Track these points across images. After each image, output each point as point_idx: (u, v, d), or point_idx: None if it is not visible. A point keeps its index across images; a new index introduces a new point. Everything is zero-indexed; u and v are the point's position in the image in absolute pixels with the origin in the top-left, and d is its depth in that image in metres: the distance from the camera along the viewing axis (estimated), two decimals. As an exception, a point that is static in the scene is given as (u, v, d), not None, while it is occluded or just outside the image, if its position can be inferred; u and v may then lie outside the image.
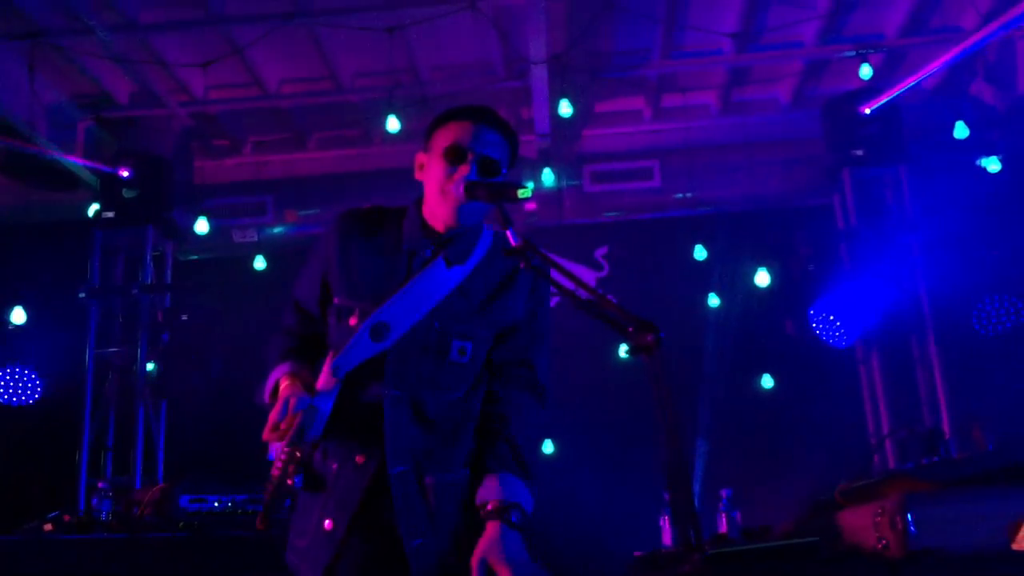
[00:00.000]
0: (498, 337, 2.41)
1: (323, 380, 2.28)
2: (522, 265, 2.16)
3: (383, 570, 2.24)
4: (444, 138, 2.35)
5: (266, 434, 2.21)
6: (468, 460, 2.35)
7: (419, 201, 2.44)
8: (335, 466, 2.30)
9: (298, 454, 2.15)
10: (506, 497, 2.22)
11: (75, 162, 6.57)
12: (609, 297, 2.10)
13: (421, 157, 2.44)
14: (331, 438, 2.31)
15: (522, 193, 2.20)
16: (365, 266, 2.37)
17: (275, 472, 2.16)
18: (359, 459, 2.27)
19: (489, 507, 2.22)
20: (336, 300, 2.37)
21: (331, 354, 2.30)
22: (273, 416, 2.19)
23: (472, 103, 2.43)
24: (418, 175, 2.44)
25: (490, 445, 2.33)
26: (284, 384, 2.29)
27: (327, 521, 2.26)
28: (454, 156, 2.31)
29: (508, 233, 2.16)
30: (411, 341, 2.30)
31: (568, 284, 2.13)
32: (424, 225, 2.39)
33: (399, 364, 2.29)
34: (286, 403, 2.19)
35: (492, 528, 2.19)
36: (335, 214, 2.48)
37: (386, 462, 2.25)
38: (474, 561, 2.17)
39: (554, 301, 2.64)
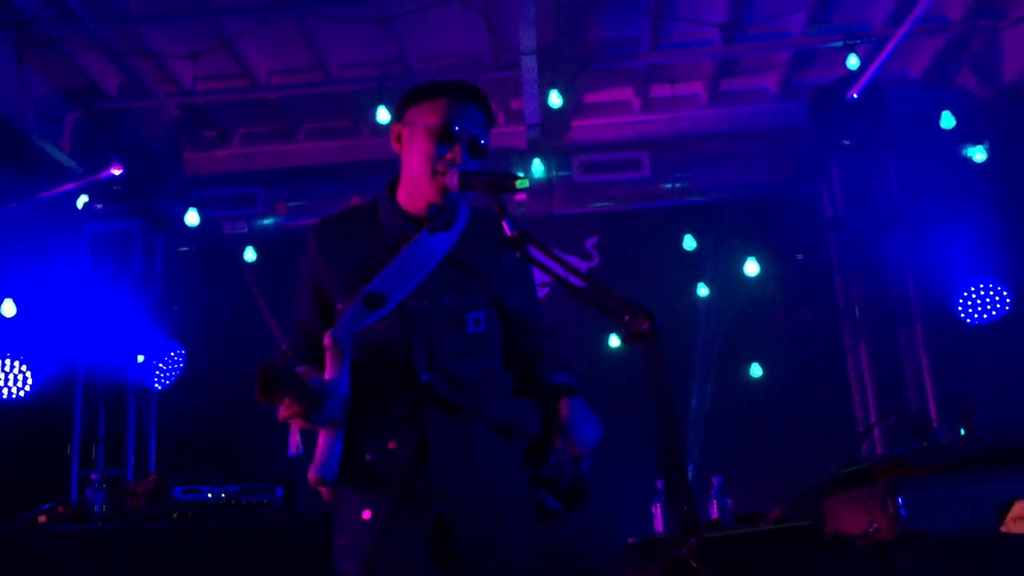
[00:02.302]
0: (500, 306, 2.43)
1: (328, 360, 2.24)
2: (518, 255, 2.15)
3: (424, 559, 2.22)
4: (429, 114, 2.34)
5: (282, 412, 2.13)
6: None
7: (392, 185, 2.43)
8: (368, 456, 2.28)
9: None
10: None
11: (63, 153, 6.54)
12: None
13: (398, 128, 2.41)
14: (360, 428, 2.28)
15: (520, 184, 2.19)
16: (352, 262, 2.36)
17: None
18: (391, 445, 2.26)
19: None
20: (339, 306, 2.34)
21: (328, 332, 2.27)
22: (288, 398, 2.12)
23: (459, 82, 2.42)
24: (395, 147, 2.42)
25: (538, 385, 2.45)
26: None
27: (365, 512, 2.25)
28: (443, 137, 2.31)
29: (504, 223, 2.15)
30: (427, 322, 2.29)
31: (563, 272, 2.14)
32: (400, 210, 2.39)
33: (425, 348, 2.28)
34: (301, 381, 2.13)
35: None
36: (310, 228, 2.46)
37: (426, 439, 2.24)
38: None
39: (545, 291, 2.67)
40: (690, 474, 6.28)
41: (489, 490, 2.27)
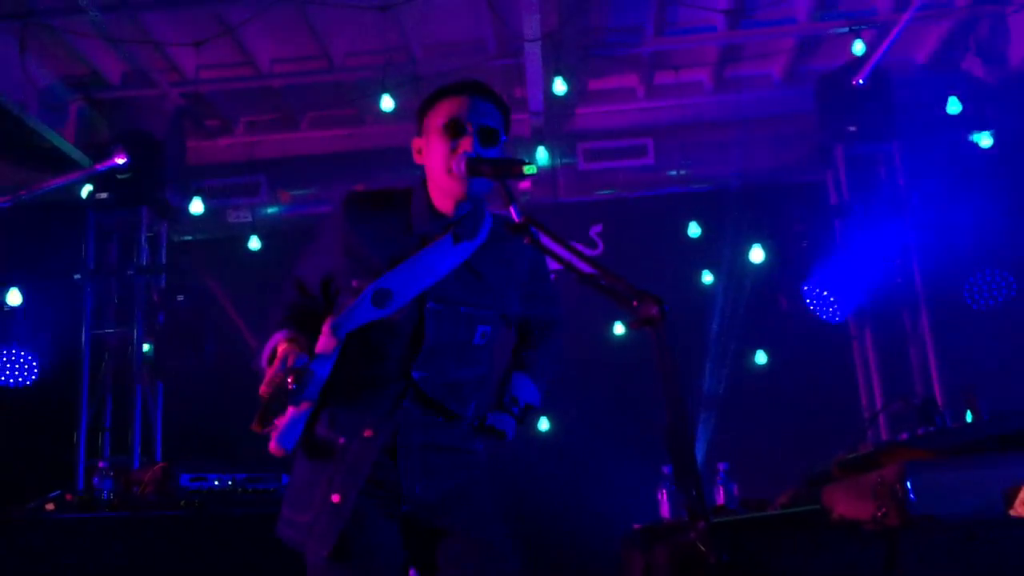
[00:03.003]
0: (507, 317, 2.54)
1: (322, 342, 2.28)
2: (527, 240, 2.15)
3: (394, 542, 2.29)
4: (439, 116, 2.34)
5: (263, 388, 2.17)
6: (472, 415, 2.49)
7: (424, 183, 2.43)
8: (342, 440, 2.30)
9: (295, 375, 2.14)
10: (514, 392, 2.57)
11: (67, 143, 6.54)
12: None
13: (418, 142, 2.43)
14: (338, 410, 2.33)
15: (528, 169, 2.19)
16: (376, 247, 2.36)
17: (274, 377, 2.14)
18: (367, 433, 2.29)
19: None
20: (354, 283, 2.34)
21: (330, 317, 2.31)
22: (270, 372, 2.17)
23: (464, 80, 2.42)
24: (418, 159, 2.44)
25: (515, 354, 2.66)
26: (282, 347, 2.26)
27: (334, 495, 2.26)
28: (453, 131, 2.31)
29: (511, 209, 2.14)
30: (441, 326, 2.33)
31: (571, 258, 2.14)
32: (432, 208, 2.39)
33: (429, 348, 2.32)
34: (284, 359, 2.17)
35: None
36: (341, 196, 2.46)
37: (399, 434, 2.30)
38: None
39: (551, 278, 2.67)
40: (697, 459, 6.30)
41: (450, 488, 2.36)
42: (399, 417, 2.31)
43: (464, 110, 2.32)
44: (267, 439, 2.26)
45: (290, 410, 2.23)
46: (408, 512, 2.31)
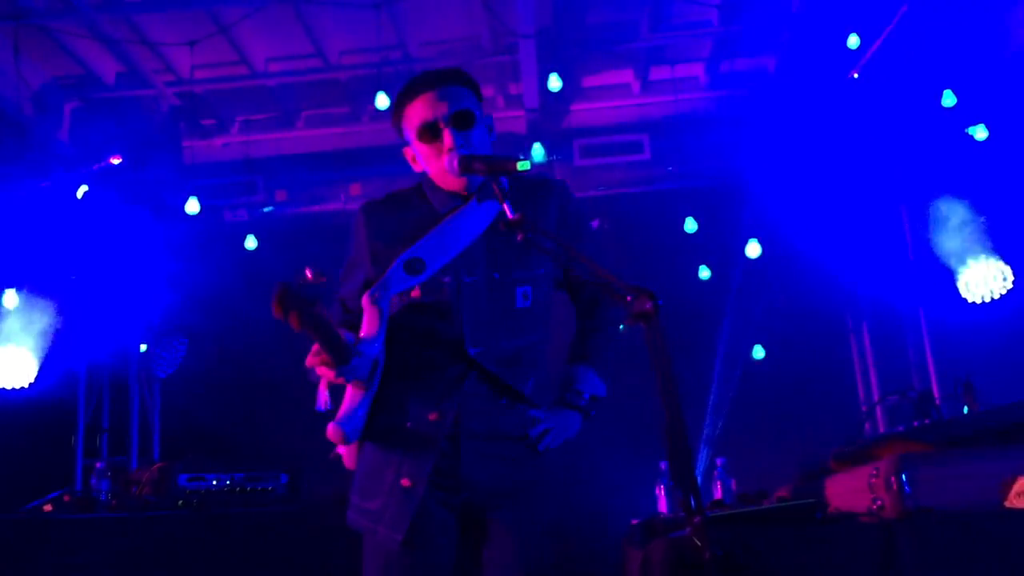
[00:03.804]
0: (549, 275, 2.42)
1: (366, 321, 2.24)
2: (520, 237, 2.14)
3: (454, 530, 2.28)
4: (411, 123, 2.35)
5: (310, 359, 2.15)
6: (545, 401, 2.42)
7: (432, 178, 2.44)
8: (409, 424, 2.29)
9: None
10: (577, 386, 2.44)
11: (62, 143, 6.53)
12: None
13: (408, 151, 2.44)
14: (400, 395, 2.30)
15: (521, 165, 2.18)
16: (398, 234, 2.35)
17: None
18: (432, 416, 2.27)
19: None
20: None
21: (367, 291, 2.27)
22: (317, 345, 2.13)
23: (415, 79, 2.39)
24: (416, 168, 2.44)
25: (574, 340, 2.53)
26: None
27: (404, 480, 2.25)
28: (428, 134, 2.31)
29: (505, 206, 2.15)
30: (478, 297, 2.30)
31: (565, 254, 2.14)
32: (449, 192, 2.39)
33: (475, 322, 2.29)
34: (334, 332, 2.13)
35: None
36: (358, 208, 2.47)
37: (460, 419, 2.27)
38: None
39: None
40: (694, 455, 6.31)
41: (514, 481, 2.31)
42: (462, 399, 2.27)
43: (429, 108, 2.31)
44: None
45: (348, 395, 2.22)
46: (465, 500, 2.28)
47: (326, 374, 2.18)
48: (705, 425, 6.58)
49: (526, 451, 2.35)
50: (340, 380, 2.19)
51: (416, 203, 2.42)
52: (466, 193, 2.36)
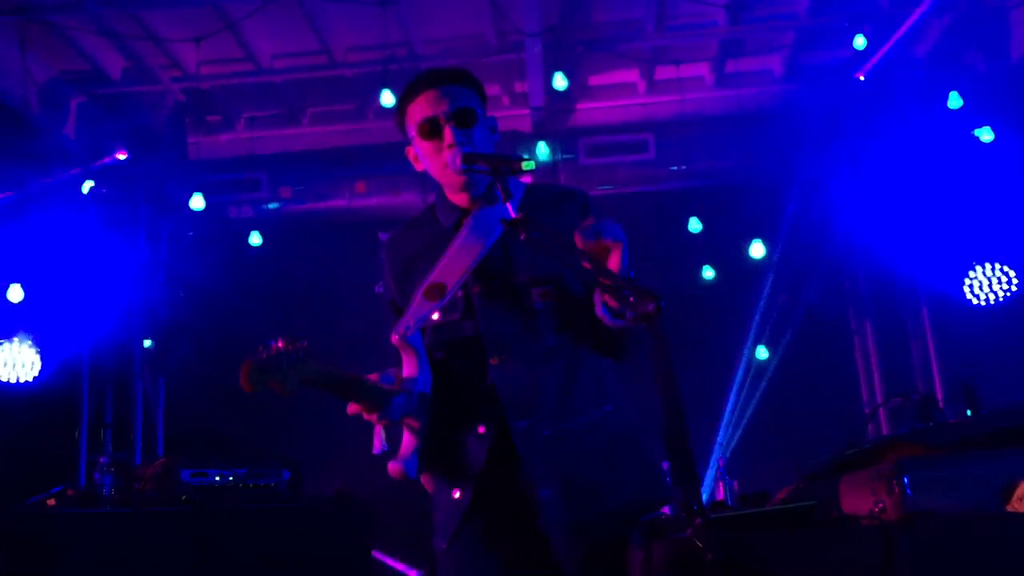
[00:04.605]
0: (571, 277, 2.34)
1: (404, 363, 2.24)
2: (523, 236, 2.13)
3: (509, 533, 2.25)
4: (412, 121, 2.34)
5: (349, 408, 2.14)
6: (599, 399, 2.33)
7: (440, 189, 2.44)
8: (457, 441, 2.31)
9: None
10: None
11: (68, 138, 6.54)
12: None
13: (410, 150, 2.42)
14: (448, 419, 2.30)
15: (526, 165, 2.15)
16: (417, 264, 2.36)
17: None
18: (481, 430, 2.27)
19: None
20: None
21: (392, 331, 2.25)
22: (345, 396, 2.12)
23: (419, 76, 2.38)
24: (418, 167, 2.43)
25: None
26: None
27: (455, 491, 2.28)
28: (429, 131, 2.30)
29: (508, 206, 2.14)
30: (491, 306, 2.28)
31: (568, 255, 2.13)
32: (451, 204, 2.39)
33: (492, 331, 2.28)
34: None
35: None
36: (381, 246, 2.48)
37: (508, 426, 2.24)
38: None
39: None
40: (695, 456, 6.31)
41: (565, 477, 2.25)
42: (500, 409, 2.24)
43: (430, 105, 2.30)
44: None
45: (404, 435, 2.22)
46: (526, 496, 2.23)
47: (370, 419, 2.17)
48: (707, 426, 6.57)
49: (573, 437, 2.27)
50: (386, 421, 2.18)
51: (428, 225, 2.43)
52: (469, 206, 2.36)
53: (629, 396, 2.50)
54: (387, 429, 2.22)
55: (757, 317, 6.80)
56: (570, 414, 2.28)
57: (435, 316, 2.29)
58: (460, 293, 2.29)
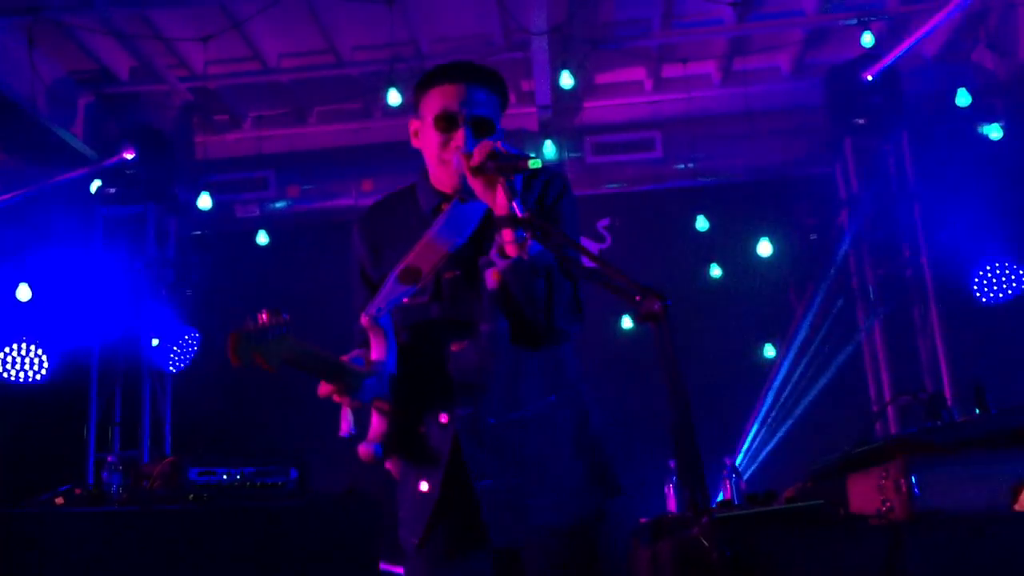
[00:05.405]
0: None
1: (373, 345, 2.23)
2: (528, 235, 2.12)
3: (477, 526, 2.22)
4: (432, 104, 2.31)
5: (320, 389, 2.13)
6: (544, 389, 2.31)
7: (424, 171, 2.42)
8: (422, 430, 2.30)
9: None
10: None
11: (76, 138, 6.56)
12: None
13: (414, 123, 2.40)
14: (414, 404, 2.29)
15: (533, 163, 2.15)
16: (392, 243, 2.35)
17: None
18: (443, 419, 2.26)
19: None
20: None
21: (363, 312, 2.25)
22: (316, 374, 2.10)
23: (459, 64, 2.35)
24: (415, 143, 2.41)
25: None
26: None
27: (422, 483, 2.27)
28: (445, 124, 2.28)
29: (514, 204, 2.13)
30: (458, 292, 2.28)
31: (574, 254, 2.12)
32: (435, 190, 2.38)
33: (454, 318, 2.27)
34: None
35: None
36: (354, 221, 2.46)
37: (479, 412, 2.24)
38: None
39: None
40: (703, 454, 6.29)
41: (503, 469, 2.24)
42: (455, 394, 2.24)
43: (456, 100, 2.28)
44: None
45: (373, 417, 2.21)
46: (487, 490, 2.23)
47: (341, 401, 2.16)
48: (714, 425, 6.56)
49: (517, 427, 2.26)
50: (357, 404, 2.17)
51: (407, 204, 2.41)
52: (452, 192, 2.34)
53: (588, 384, 2.46)
54: (355, 412, 2.20)
55: (764, 315, 6.78)
56: (516, 403, 2.27)
57: (405, 300, 2.27)
58: (431, 279, 2.28)
